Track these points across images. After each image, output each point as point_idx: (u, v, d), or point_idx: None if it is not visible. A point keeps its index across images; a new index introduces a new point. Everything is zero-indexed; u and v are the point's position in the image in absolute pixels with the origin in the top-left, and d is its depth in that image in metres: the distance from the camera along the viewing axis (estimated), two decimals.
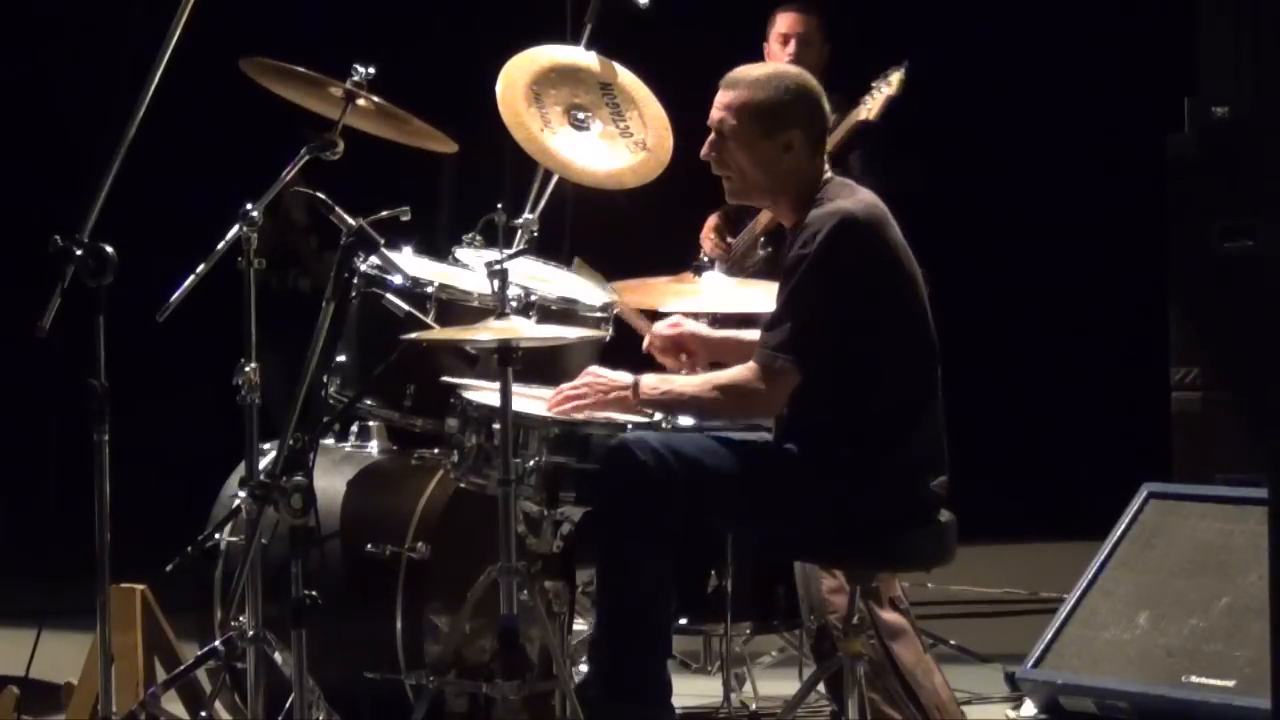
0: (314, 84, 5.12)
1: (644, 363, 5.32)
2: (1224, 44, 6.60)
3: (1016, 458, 8.98)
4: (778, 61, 6.75)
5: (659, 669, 4.66)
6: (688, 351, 5.07)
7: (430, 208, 8.54)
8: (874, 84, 6.62)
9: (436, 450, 5.26)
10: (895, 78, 6.58)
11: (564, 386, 4.85)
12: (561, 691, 4.87)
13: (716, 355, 5.04)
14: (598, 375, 4.83)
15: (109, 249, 4.61)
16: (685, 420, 5.16)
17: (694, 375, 4.88)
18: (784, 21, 6.91)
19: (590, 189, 5.55)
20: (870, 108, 6.59)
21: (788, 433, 4.74)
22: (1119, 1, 9.03)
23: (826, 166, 4.77)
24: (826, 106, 4.78)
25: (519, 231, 5.53)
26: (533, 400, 5.02)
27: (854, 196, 4.70)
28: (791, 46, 6.84)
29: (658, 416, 5.07)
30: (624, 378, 4.80)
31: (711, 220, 6.59)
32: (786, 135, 4.69)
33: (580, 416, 4.83)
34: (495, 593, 4.78)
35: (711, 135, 4.74)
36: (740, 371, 4.66)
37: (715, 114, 4.74)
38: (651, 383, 4.78)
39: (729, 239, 6.56)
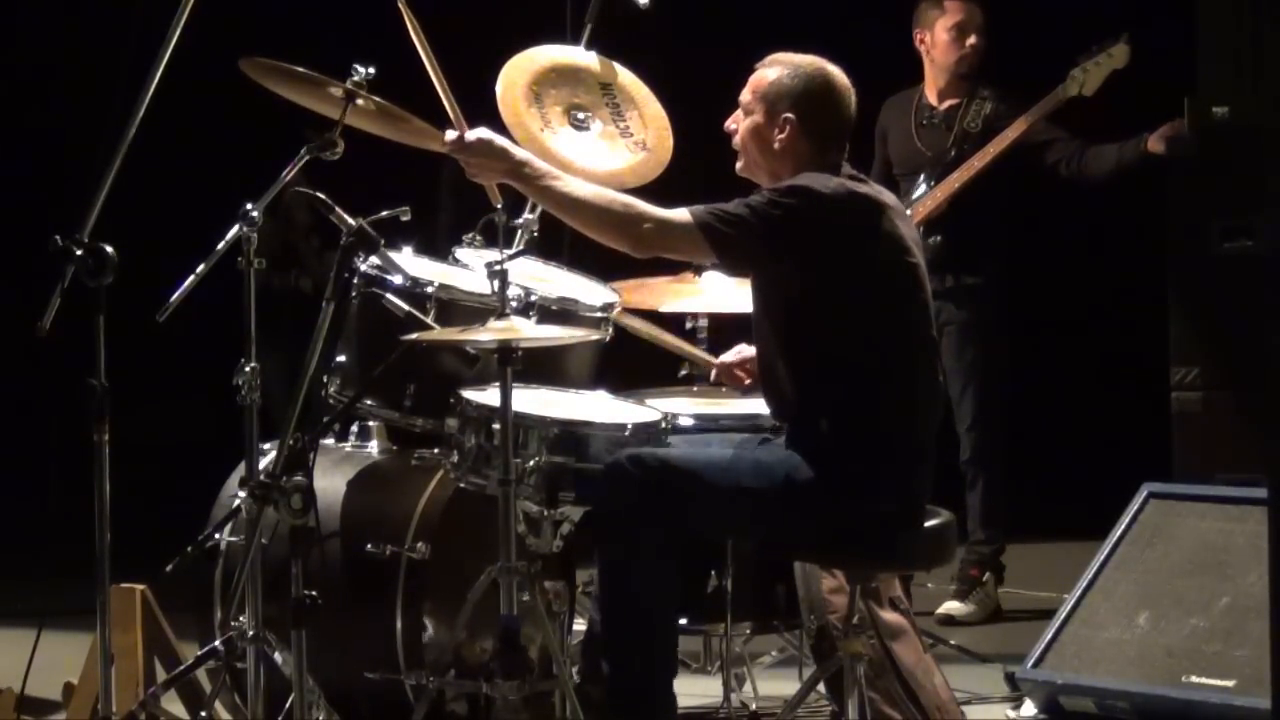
0: (314, 84, 5.12)
1: (647, 364, 5.33)
2: (1224, 44, 6.60)
3: (1016, 457, 8.97)
4: (949, 53, 6.85)
5: (665, 690, 4.65)
6: (750, 374, 5.23)
7: (430, 208, 8.54)
8: (1084, 60, 6.65)
9: (436, 450, 5.26)
10: (1119, 50, 6.62)
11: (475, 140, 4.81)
12: (561, 691, 4.87)
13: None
14: (493, 142, 4.81)
15: (109, 249, 4.61)
16: (686, 420, 5.17)
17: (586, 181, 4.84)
18: (962, 11, 6.92)
19: None
20: (1083, 83, 6.64)
21: (782, 425, 4.76)
22: (1119, 1, 9.02)
23: (844, 162, 4.81)
24: (845, 105, 4.83)
25: (519, 231, 5.52)
26: (540, 399, 5.03)
27: (857, 182, 4.77)
28: (973, 40, 6.89)
29: (656, 415, 5.08)
30: (518, 154, 4.80)
31: None
32: (783, 118, 4.78)
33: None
34: (495, 593, 4.78)
35: (739, 110, 4.88)
36: (641, 204, 4.69)
37: (743, 91, 4.89)
38: (541, 170, 4.78)
39: None
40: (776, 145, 4.79)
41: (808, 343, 4.70)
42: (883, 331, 4.68)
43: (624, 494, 4.60)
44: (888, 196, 4.81)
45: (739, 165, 4.91)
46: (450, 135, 4.82)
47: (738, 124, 4.87)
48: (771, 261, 4.67)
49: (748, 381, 5.26)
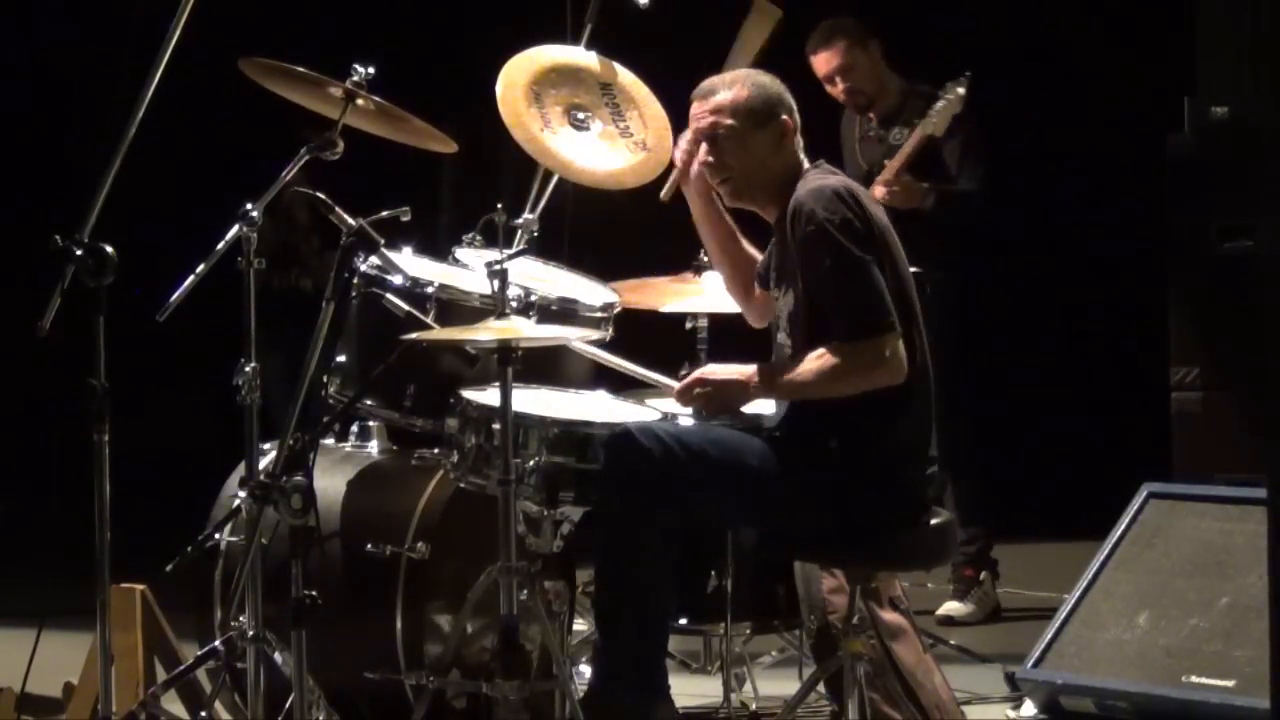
0: (314, 84, 5.12)
1: (647, 365, 5.31)
2: (1224, 44, 6.59)
3: (1017, 458, 8.97)
4: (839, 98, 6.83)
5: (656, 657, 4.67)
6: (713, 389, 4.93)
7: (430, 208, 8.54)
8: (940, 95, 6.63)
9: (436, 450, 5.26)
10: (957, 92, 6.59)
11: (688, 383, 4.82)
12: (561, 691, 4.87)
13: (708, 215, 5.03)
14: (714, 372, 4.81)
15: (109, 249, 4.62)
16: (685, 420, 5.16)
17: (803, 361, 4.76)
18: (816, 65, 6.87)
19: (590, 189, 5.55)
20: (936, 122, 6.62)
21: (785, 422, 4.76)
22: (1119, 1, 9.03)
23: (804, 157, 4.83)
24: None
25: (519, 231, 5.53)
26: (540, 400, 5.03)
27: (832, 177, 4.79)
28: (839, 85, 6.85)
29: (656, 414, 5.08)
30: (737, 369, 4.78)
31: None
32: (778, 123, 4.78)
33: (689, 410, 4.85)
34: (495, 593, 4.78)
35: (704, 145, 4.80)
36: (844, 348, 4.62)
37: (703, 122, 4.80)
38: (769, 378, 4.75)
39: None
40: (780, 152, 4.78)
41: (817, 343, 4.69)
42: None
43: (629, 462, 4.61)
44: (856, 185, 4.81)
45: (729, 195, 4.86)
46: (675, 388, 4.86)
47: (715, 156, 4.80)
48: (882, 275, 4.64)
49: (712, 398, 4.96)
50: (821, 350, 4.63)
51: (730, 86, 4.80)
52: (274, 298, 7.37)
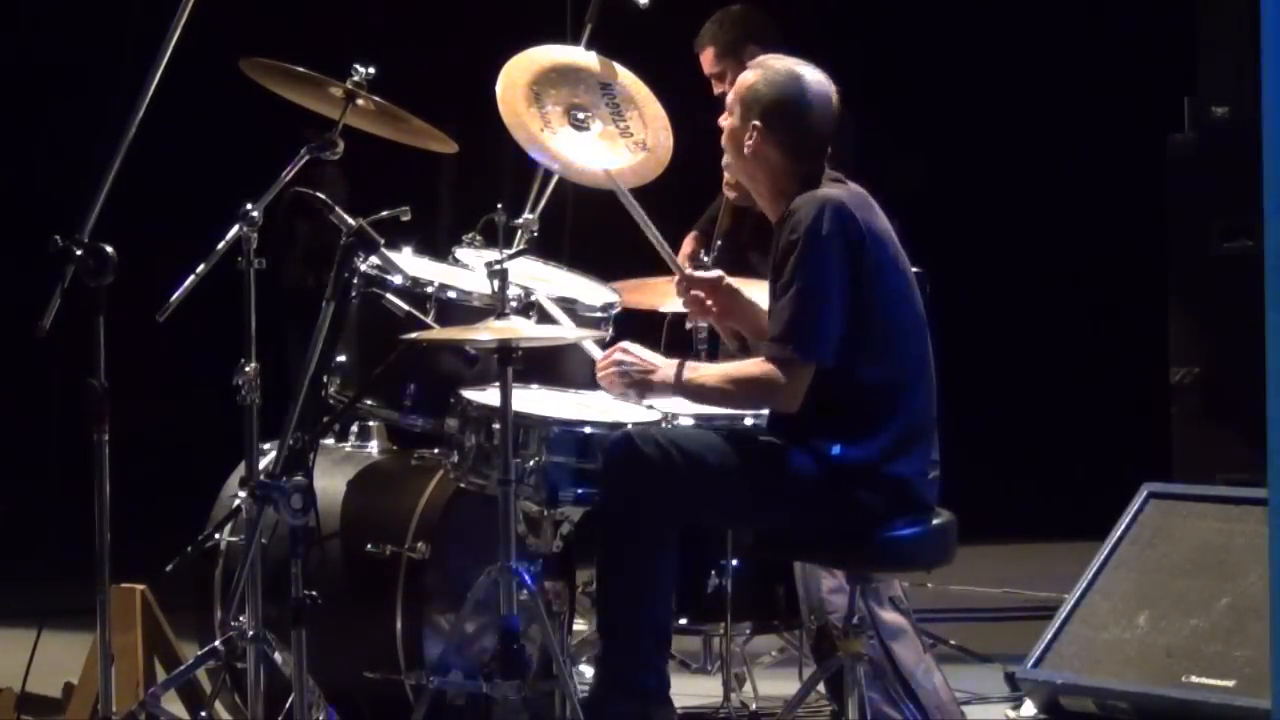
0: (314, 84, 5.12)
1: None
2: (1224, 44, 6.60)
3: (1016, 457, 8.98)
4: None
5: (657, 663, 4.67)
6: (715, 300, 4.99)
7: (430, 208, 8.54)
8: None
9: (436, 450, 5.26)
10: None
11: (605, 357, 4.83)
12: (561, 691, 4.87)
13: (741, 317, 5.01)
14: (627, 353, 4.81)
15: (109, 249, 4.62)
16: (686, 420, 5.16)
17: (714, 366, 4.85)
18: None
19: (590, 189, 5.55)
20: None
21: (782, 425, 4.75)
22: (1119, 1, 9.04)
23: (826, 165, 4.79)
24: (817, 117, 4.75)
25: (519, 231, 5.53)
26: (540, 399, 5.03)
27: (835, 186, 4.73)
28: (715, 87, 6.48)
29: (656, 414, 5.08)
30: (653, 358, 4.80)
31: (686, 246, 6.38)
32: (752, 125, 4.73)
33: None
34: (495, 593, 4.78)
35: (724, 136, 4.81)
36: (756, 364, 4.66)
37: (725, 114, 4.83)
38: (672, 372, 4.78)
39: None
40: (747, 150, 4.75)
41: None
42: (883, 331, 4.67)
43: (628, 470, 4.61)
44: (858, 194, 4.76)
45: (728, 184, 4.88)
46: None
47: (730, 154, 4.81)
48: (836, 312, 4.62)
49: (711, 307, 5.00)
50: (739, 372, 4.67)
51: (754, 70, 4.77)
52: (308, 296, 7.36)
